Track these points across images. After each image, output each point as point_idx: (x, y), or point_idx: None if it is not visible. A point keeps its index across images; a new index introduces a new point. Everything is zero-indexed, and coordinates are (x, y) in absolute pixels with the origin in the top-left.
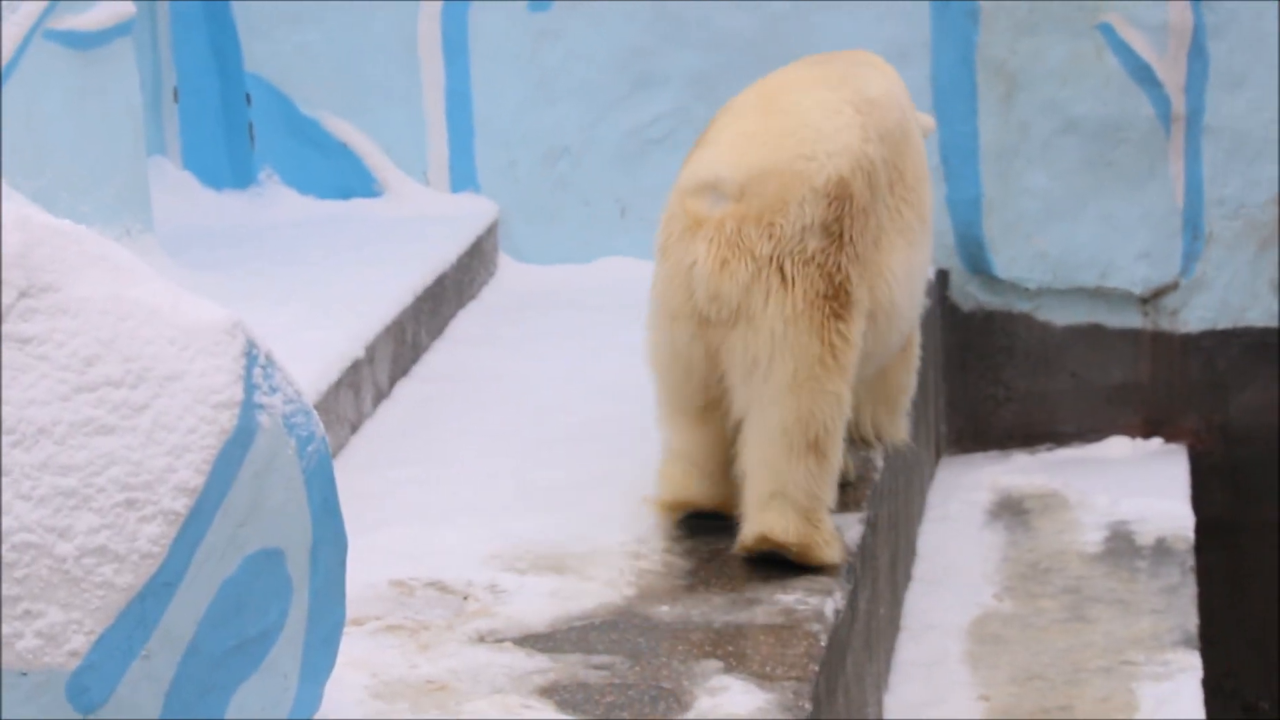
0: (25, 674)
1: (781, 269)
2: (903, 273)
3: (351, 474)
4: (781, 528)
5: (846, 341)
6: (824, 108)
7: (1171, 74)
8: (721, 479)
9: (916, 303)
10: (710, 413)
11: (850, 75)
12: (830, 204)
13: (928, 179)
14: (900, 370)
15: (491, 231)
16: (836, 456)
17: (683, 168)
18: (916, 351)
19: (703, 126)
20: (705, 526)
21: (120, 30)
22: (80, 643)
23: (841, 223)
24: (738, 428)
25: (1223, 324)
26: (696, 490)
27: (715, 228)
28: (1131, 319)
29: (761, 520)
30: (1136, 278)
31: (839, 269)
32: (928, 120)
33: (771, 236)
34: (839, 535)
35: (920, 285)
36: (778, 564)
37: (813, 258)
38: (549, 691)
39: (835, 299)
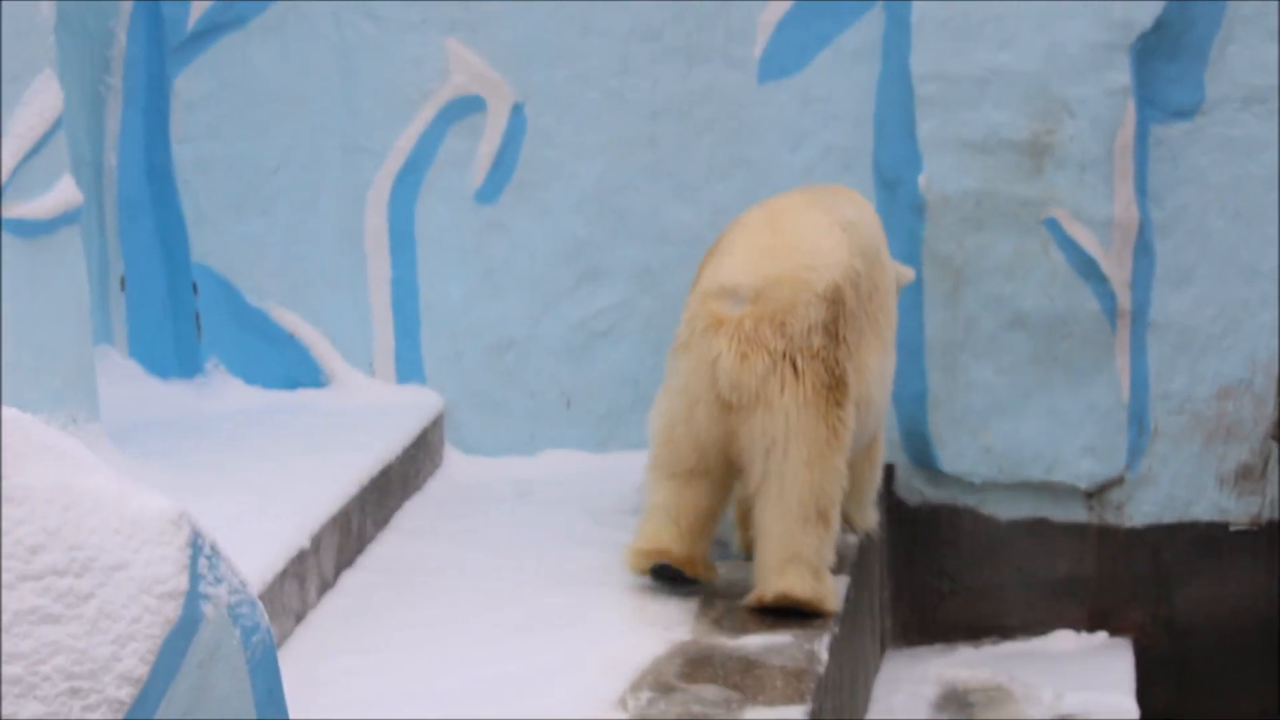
0: None
1: (793, 363)
2: (876, 370)
3: (296, 664)
4: (800, 587)
5: (844, 425)
6: (818, 227)
7: (1117, 269)
8: (690, 537)
9: (885, 399)
10: (694, 478)
11: (833, 203)
12: (828, 307)
13: (894, 293)
14: (866, 465)
15: (437, 423)
16: (837, 522)
17: (699, 274)
18: (881, 449)
19: (649, 319)
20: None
21: (68, 219)
22: None
23: (837, 323)
24: (747, 498)
25: (1168, 518)
26: (668, 540)
27: (735, 326)
28: (1077, 513)
29: (781, 582)
30: (1082, 472)
31: (837, 363)
32: (907, 271)
33: (784, 334)
34: (835, 588)
35: (888, 384)
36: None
37: (817, 353)
38: None
39: (835, 389)
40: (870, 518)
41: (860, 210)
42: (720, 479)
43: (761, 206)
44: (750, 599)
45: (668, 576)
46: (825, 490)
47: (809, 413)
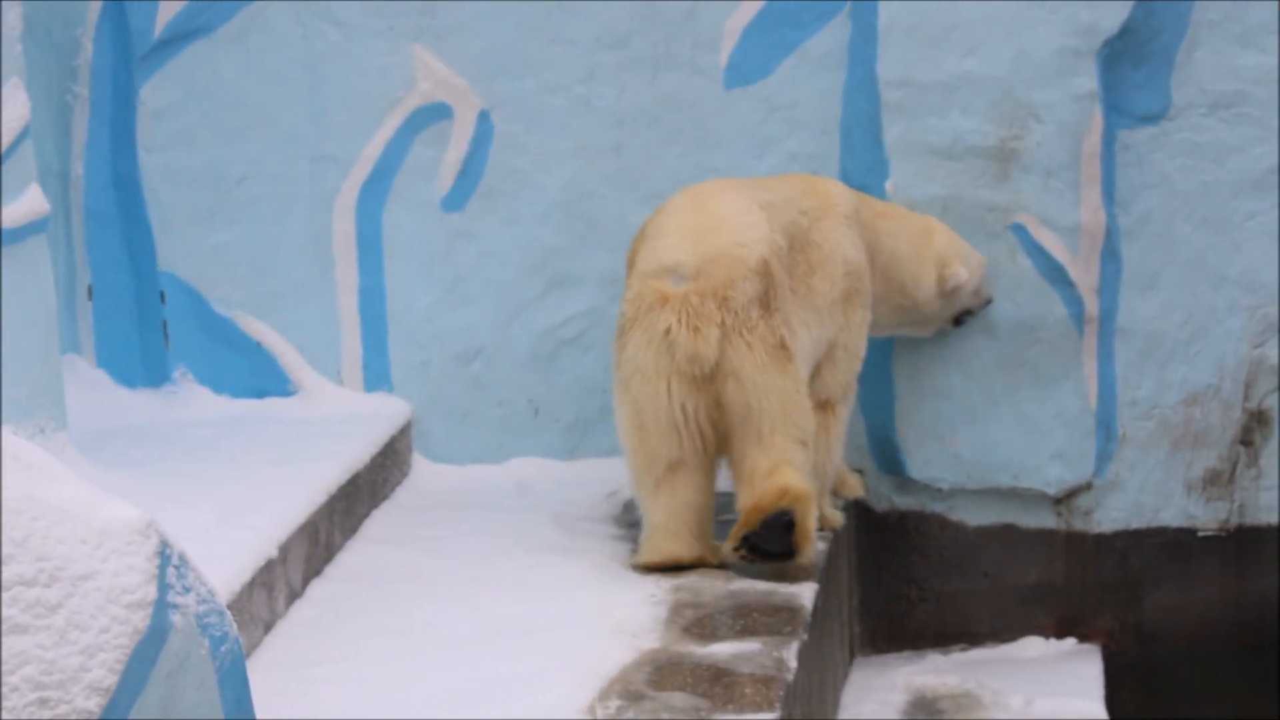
0: None
1: (741, 334)
2: (805, 339)
3: (265, 673)
4: (797, 480)
5: (802, 379)
6: (737, 207)
7: (1084, 275)
8: (697, 539)
9: (810, 366)
10: (678, 472)
11: (755, 185)
12: (761, 279)
13: (822, 271)
14: (820, 448)
15: (405, 431)
16: (810, 455)
17: (633, 260)
18: (837, 435)
19: (616, 326)
20: None
21: (35, 228)
22: None
23: (768, 295)
24: (727, 465)
25: (1136, 524)
26: (679, 550)
27: (681, 301)
28: (1045, 519)
29: (776, 479)
30: (1050, 478)
31: (774, 331)
32: (974, 256)
33: (728, 308)
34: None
35: (821, 352)
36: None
37: (757, 324)
38: None
39: (780, 351)
40: (833, 512)
41: (778, 192)
42: (700, 461)
43: (681, 193)
44: (735, 529)
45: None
46: (802, 422)
47: (771, 371)
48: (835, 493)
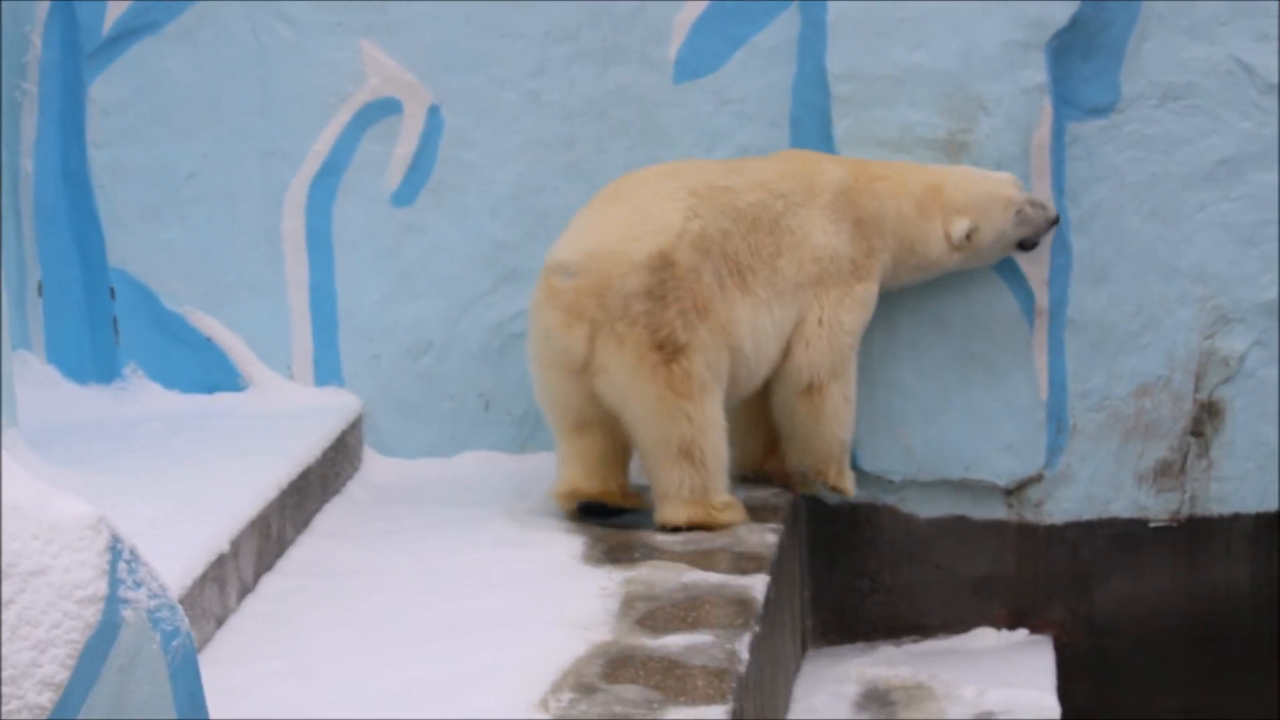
0: None
1: (615, 330)
2: (749, 322)
3: (217, 668)
4: (673, 517)
5: (687, 375)
6: (654, 194)
7: (1035, 268)
8: (599, 473)
9: (768, 352)
10: (584, 429)
11: (714, 168)
12: (652, 273)
13: (790, 254)
14: (810, 421)
15: (356, 426)
16: (715, 456)
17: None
18: (828, 403)
19: None
20: None
21: None
22: None
23: (665, 286)
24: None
25: (1087, 515)
26: (579, 480)
27: (560, 297)
28: (996, 511)
29: (661, 513)
30: (1001, 470)
31: (663, 324)
32: (1005, 194)
33: (602, 305)
34: (736, 503)
35: (770, 340)
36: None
37: (637, 320)
38: None
39: (663, 348)
40: (844, 479)
41: (752, 177)
42: (606, 426)
43: (613, 182)
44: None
45: (592, 511)
46: (673, 434)
47: (637, 375)
48: (788, 487)
